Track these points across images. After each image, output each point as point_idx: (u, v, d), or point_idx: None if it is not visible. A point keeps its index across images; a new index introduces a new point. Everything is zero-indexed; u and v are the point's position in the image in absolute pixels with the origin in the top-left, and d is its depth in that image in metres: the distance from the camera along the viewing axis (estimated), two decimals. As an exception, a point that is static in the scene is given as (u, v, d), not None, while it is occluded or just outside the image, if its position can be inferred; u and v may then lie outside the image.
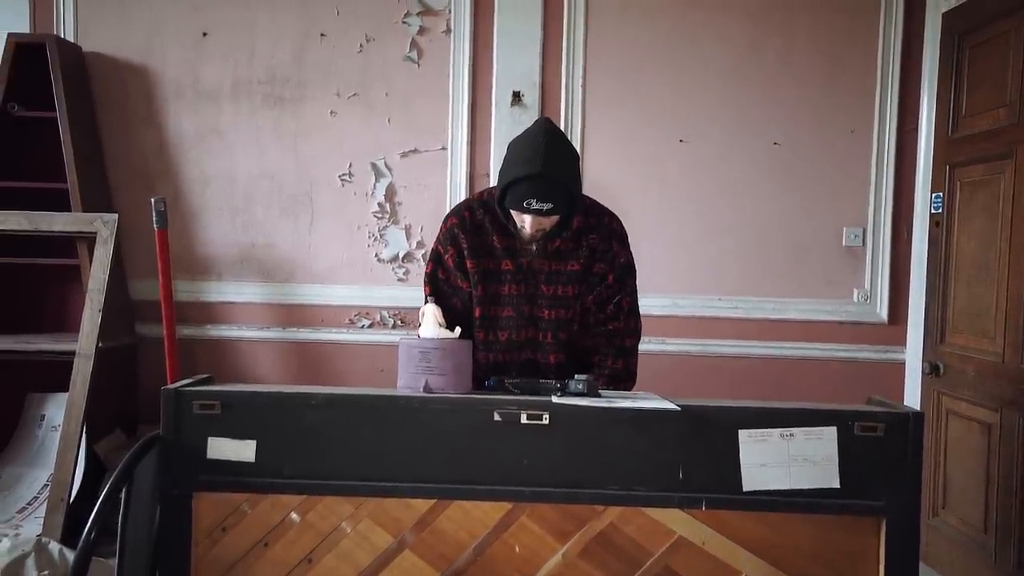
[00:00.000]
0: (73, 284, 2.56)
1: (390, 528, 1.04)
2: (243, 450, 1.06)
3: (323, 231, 2.56)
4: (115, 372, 2.41)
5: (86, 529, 0.99)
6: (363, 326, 2.55)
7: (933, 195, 2.18)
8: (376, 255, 2.52)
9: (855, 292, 2.39)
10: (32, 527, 2.17)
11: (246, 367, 2.56)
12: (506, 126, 2.35)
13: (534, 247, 1.35)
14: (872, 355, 2.38)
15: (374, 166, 2.49)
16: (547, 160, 1.22)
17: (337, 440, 1.06)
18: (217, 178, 2.55)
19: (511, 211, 1.29)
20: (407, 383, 1.15)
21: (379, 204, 2.50)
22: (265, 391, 1.20)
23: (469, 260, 1.38)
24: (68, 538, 2.07)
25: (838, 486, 0.97)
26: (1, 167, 2.46)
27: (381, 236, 2.52)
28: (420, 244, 2.53)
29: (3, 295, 2.60)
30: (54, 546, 2.04)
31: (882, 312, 2.38)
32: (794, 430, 0.99)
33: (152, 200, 2.18)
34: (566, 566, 1.01)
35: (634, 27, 2.42)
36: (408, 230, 2.54)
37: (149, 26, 2.53)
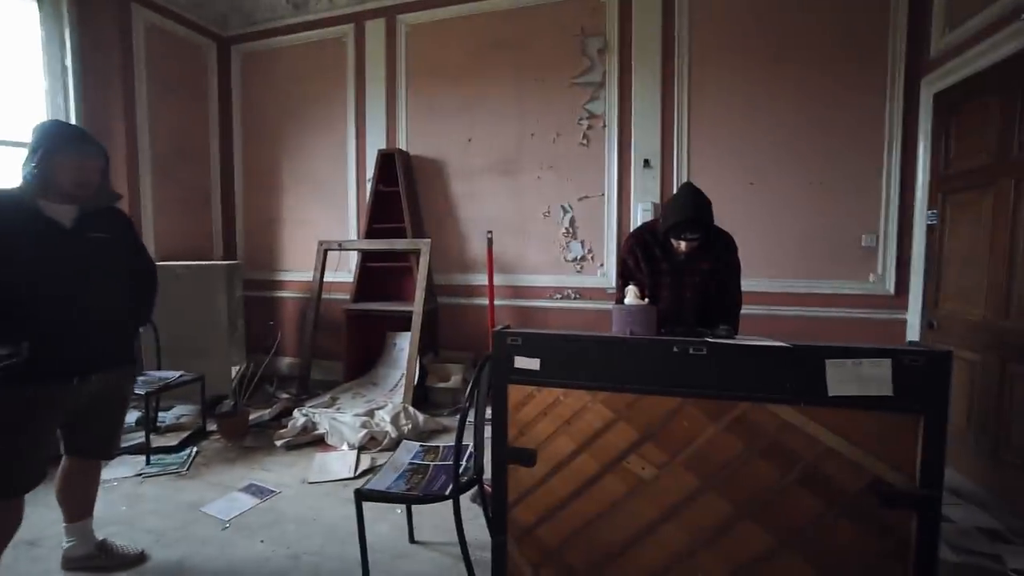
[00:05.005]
0: (408, 276, 3.99)
1: (612, 407, 1.34)
2: (532, 364, 1.38)
3: (534, 245, 3.73)
4: (427, 322, 3.69)
5: (466, 400, 1.55)
6: (557, 298, 3.68)
7: (929, 211, 2.85)
8: (563, 257, 3.68)
9: (871, 275, 3.12)
10: (397, 398, 3.49)
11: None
12: (640, 181, 3.45)
13: (682, 256, 1.83)
14: (884, 315, 3.10)
15: (562, 207, 3.67)
16: (696, 208, 1.68)
17: (582, 359, 1.36)
18: (474, 218, 3.91)
19: (671, 239, 1.78)
20: (619, 330, 1.46)
21: (565, 228, 3.67)
22: (544, 332, 1.45)
23: (643, 262, 1.90)
24: (416, 404, 3.35)
25: (891, 394, 1.17)
26: (377, 217, 3.90)
27: (567, 246, 3.67)
28: (590, 251, 3.61)
29: (378, 282, 4.07)
30: (410, 409, 3.28)
31: (890, 287, 3.10)
32: (863, 360, 1.19)
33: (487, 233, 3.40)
34: (714, 436, 1.28)
35: (722, 113, 3.29)
36: (583, 243, 3.64)
37: (439, 140, 3.96)
